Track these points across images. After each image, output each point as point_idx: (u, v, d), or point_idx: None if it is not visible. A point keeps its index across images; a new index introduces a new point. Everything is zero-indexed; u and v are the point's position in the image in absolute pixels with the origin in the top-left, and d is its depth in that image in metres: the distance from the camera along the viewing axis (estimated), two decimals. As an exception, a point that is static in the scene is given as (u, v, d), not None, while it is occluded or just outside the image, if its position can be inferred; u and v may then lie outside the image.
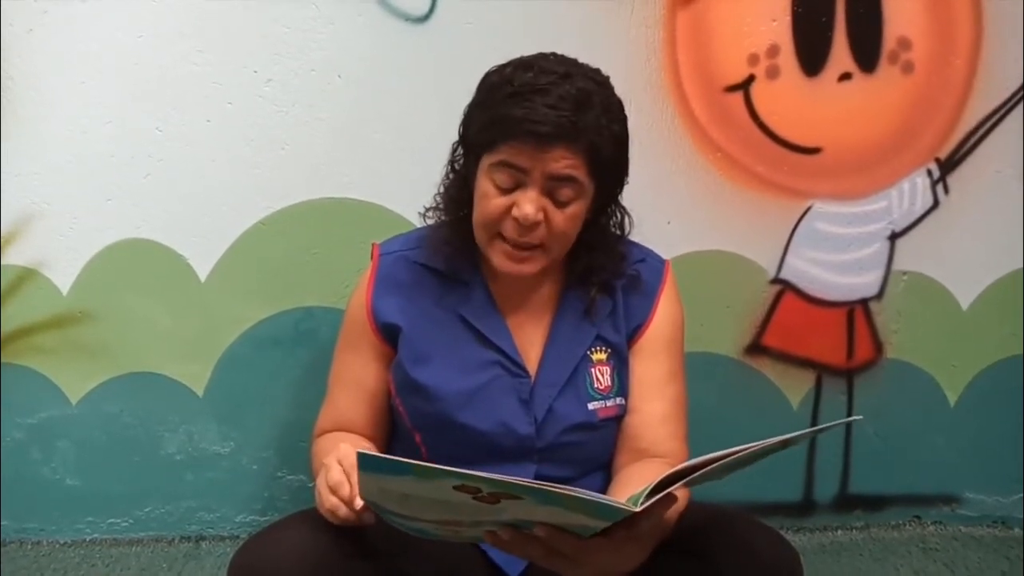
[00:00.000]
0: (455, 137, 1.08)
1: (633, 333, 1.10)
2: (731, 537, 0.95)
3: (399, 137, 1.51)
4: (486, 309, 1.09)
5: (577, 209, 1.00)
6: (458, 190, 1.08)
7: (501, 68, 1.01)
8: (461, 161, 1.08)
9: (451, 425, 1.06)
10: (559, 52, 1.02)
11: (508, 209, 0.98)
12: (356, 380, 1.13)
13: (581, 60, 1.02)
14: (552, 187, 0.97)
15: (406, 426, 1.11)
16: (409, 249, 1.13)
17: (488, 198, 0.99)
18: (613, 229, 1.11)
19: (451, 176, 1.10)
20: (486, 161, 0.99)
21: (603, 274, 1.08)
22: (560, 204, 0.98)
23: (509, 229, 0.99)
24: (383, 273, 1.12)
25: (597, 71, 1.01)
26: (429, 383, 1.07)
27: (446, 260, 1.09)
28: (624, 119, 1.02)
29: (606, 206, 1.08)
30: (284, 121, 1.51)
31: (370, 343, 1.12)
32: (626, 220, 1.12)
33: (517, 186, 0.98)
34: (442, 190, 1.11)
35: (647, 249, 1.16)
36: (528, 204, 0.96)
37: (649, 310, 1.11)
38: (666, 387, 1.10)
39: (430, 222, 1.12)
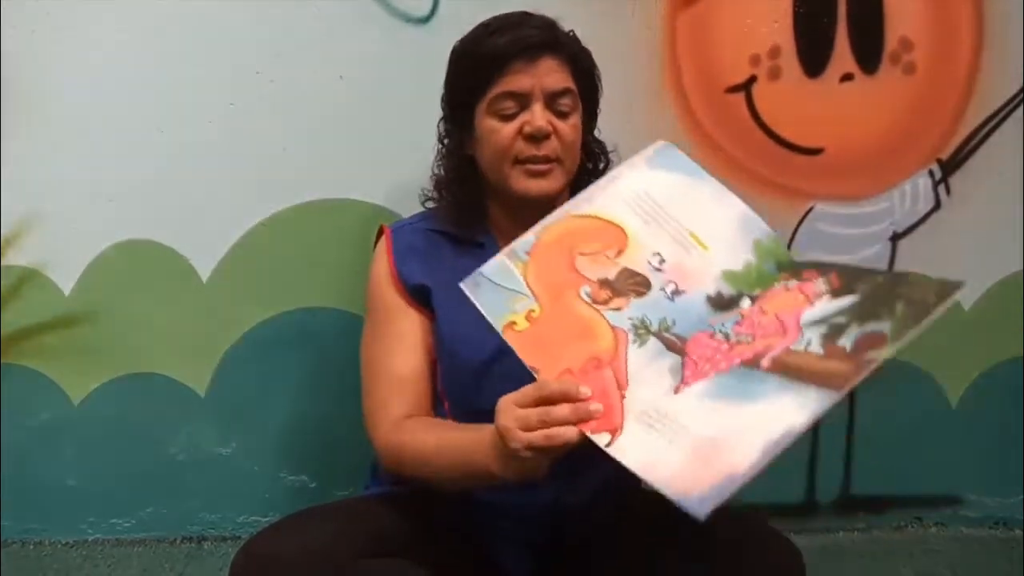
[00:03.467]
0: (457, 138, 1.09)
1: None
2: (733, 538, 0.95)
3: (401, 138, 1.51)
4: None
5: (577, 120, 1.08)
6: (458, 158, 1.12)
7: (464, 36, 1.11)
8: (452, 135, 1.14)
9: (478, 386, 1.05)
10: None
11: (518, 132, 1.04)
12: (401, 336, 1.10)
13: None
14: (552, 101, 1.05)
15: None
16: (418, 222, 1.17)
17: (495, 132, 1.05)
18: (599, 164, 1.17)
19: (444, 153, 1.15)
20: (484, 103, 1.06)
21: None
22: (563, 115, 1.06)
23: (523, 149, 1.05)
24: (400, 244, 1.14)
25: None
26: (456, 346, 1.07)
27: (457, 224, 1.13)
28: (592, 57, 1.13)
29: (587, 137, 1.14)
30: (286, 122, 1.51)
31: (404, 313, 1.10)
32: (611, 155, 1.18)
33: (520, 109, 1.05)
34: (439, 170, 1.16)
35: None
36: (537, 118, 1.04)
37: None
38: None
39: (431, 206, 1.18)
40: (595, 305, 0.85)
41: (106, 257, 1.56)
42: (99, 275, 1.56)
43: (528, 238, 0.89)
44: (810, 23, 1.54)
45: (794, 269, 0.89)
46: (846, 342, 0.80)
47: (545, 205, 1.04)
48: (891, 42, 1.56)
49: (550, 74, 1.05)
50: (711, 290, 0.88)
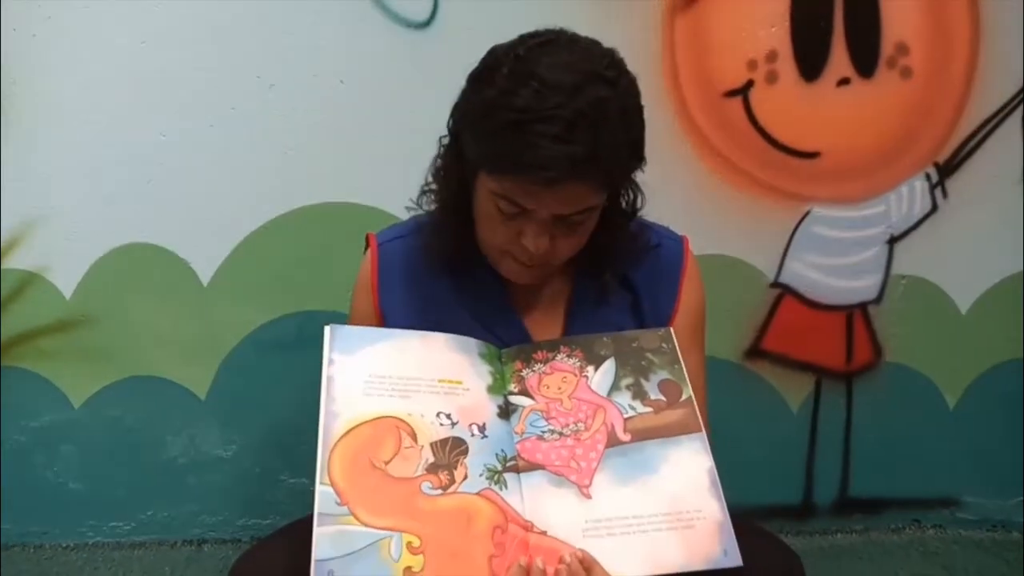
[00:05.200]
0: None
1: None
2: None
3: (401, 142, 1.51)
4: (503, 308, 1.02)
5: (588, 226, 0.93)
6: (456, 195, 0.97)
7: (493, 71, 0.87)
8: (454, 162, 0.96)
9: None
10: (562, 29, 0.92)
11: (515, 235, 0.91)
12: None
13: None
14: (562, 216, 0.89)
15: None
16: (409, 234, 1.05)
17: (492, 221, 0.92)
18: (625, 207, 1.00)
19: (442, 173, 0.99)
20: (486, 182, 0.89)
21: (612, 255, 1.01)
22: (571, 226, 0.91)
23: (517, 252, 0.92)
24: (386, 265, 1.04)
25: (609, 60, 0.89)
26: None
27: (451, 255, 1.01)
28: (640, 106, 0.91)
29: (618, 192, 0.98)
30: (287, 126, 1.52)
31: None
32: (639, 198, 1.00)
33: (523, 212, 0.88)
34: (434, 185, 1.01)
35: (664, 230, 1.08)
36: (536, 238, 0.89)
37: (672, 303, 1.04)
38: (693, 382, 1.04)
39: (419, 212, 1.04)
40: (447, 492, 0.82)
41: (107, 260, 1.56)
42: (100, 278, 1.57)
43: (326, 493, 0.80)
44: (807, 27, 1.54)
45: (519, 357, 0.95)
46: (656, 396, 0.91)
47: None
48: (887, 46, 1.56)
49: (569, 200, 0.86)
50: (494, 409, 0.90)
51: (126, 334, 1.59)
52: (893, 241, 1.66)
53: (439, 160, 1.00)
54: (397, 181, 1.52)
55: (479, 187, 0.92)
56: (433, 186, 1.02)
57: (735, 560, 0.82)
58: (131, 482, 1.66)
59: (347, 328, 0.93)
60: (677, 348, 0.95)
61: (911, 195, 1.64)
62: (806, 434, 1.74)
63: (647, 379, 0.93)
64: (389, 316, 1.03)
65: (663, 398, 0.91)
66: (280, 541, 0.97)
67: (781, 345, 1.69)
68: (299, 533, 0.93)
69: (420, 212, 1.05)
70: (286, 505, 1.68)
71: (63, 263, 1.56)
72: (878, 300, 1.68)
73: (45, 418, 1.63)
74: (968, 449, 1.77)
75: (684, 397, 0.91)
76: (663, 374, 0.93)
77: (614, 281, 1.03)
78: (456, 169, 0.96)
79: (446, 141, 0.99)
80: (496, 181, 0.88)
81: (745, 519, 0.97)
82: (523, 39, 0.90)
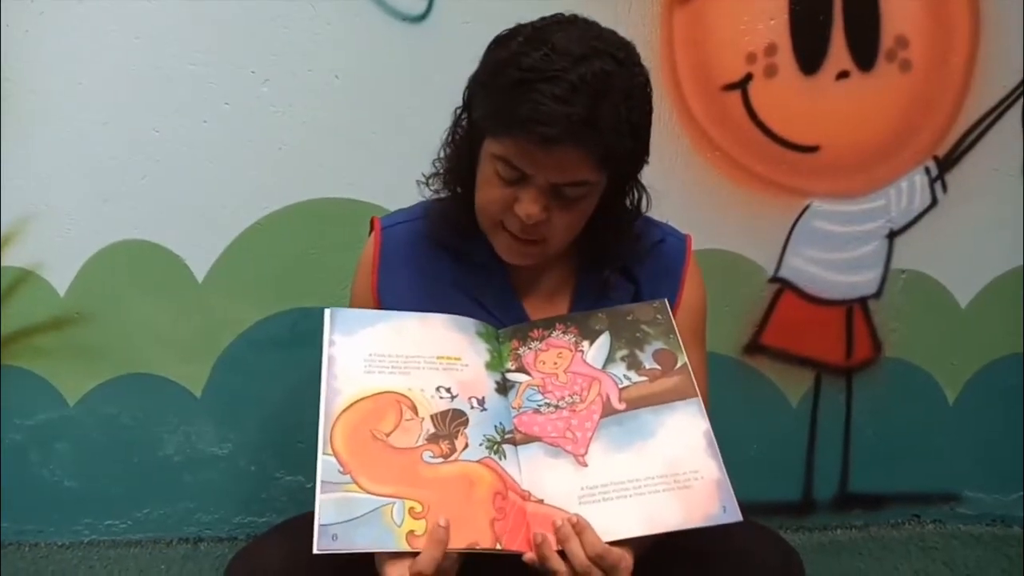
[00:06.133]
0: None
1: None
2: (730, 541, 0.92)
3: (397, 137, 1.51)
4: (505, 296, 1.03)
5: (585, 206, 0.94)
6: (463, 164, 0.98)
7: (510, 38, 0.90)
8: (464, 130, 0.98)
9: None
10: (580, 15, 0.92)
11: (510, 203, 0.91)
12: None
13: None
14: (558, 187, 0.90)
15: None
16: (415, 219, 1.06)
17: (490, 186, 0.93)
18: (629, 207, 1.01)
19: (453, 146, 1.01)
20: (489, 145, 0.91)
21: (615, 254, 1.02)
22: (566, 201, 0.91)
23: (511, 222, 0.93)
24: (388, 248, 1.04)
25: (622, 44, 0.90)
26: None
27: (456, 239, 1.02)
28: (648, 97, 0.92)
29: (622, 188, 0.99)
30: (281, 121, 1.51)
31: None
32: (644, 199, 1.02)
33: (521, 179, 0.90)
34: (444, 159, 1.02)
35: (667, 227, 1.09)
36: (530, 204, 0.90)
37: (674, 299, 1.03)
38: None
39: (428, 193, 1.05)
40: (448, 460, 0.84)
41: (101, 257, 1.55)
42: (94, 276, 1.56)
43: (329, 462, 0.81)
44: (806, 21, 1.53)
45: (515, 336, 0.97)
46: (651, 365, 0.92)
47: None
48: (887, 40, 1.56)
49: (564, 167, 0.87)
50: (492, 385, 0.92)
51: (121, 331, 1.59)
52: (893, 235, 1.65)
53: (450, 133, 1.02)
54: (393, 176, 1.52)
55: (483, 154, 0.93)
56: (444, 161, 1.03)
57: (735, 515, 0.84)
58: (127, 480, 1.66)
59: (347, 311, 0.94)
60: (672, 319, 0.96)
61: (911, 189, 1.63)
62: (806, 430, 1.73)
63: (642, 350, 0.94)
64: (386, 298, 1.03)
65: (658, 367, 0.92)
66: (276, 538, 0.97)
67: (780, 340, 1.68)
68: (295, 530, 0.92)
69: (426, 198, 1.06)
70: (282, 503, 1.67)
71: (57, 260, 1.55)
72: (878, 295, 1.68)
73: (40, 416, 1.62)
74: (968, 444, 1.76)
75: (679, 364, 0.92)
76: (658, 344, 0.94)
77: (615, 276, 1.03)
78: (466, 137, 0.98)
79: (459, 111, 1.00)
80: (498, 143, 0.89)
81: (744, 515, 0.97)
82: (545, 17, 0.93)
